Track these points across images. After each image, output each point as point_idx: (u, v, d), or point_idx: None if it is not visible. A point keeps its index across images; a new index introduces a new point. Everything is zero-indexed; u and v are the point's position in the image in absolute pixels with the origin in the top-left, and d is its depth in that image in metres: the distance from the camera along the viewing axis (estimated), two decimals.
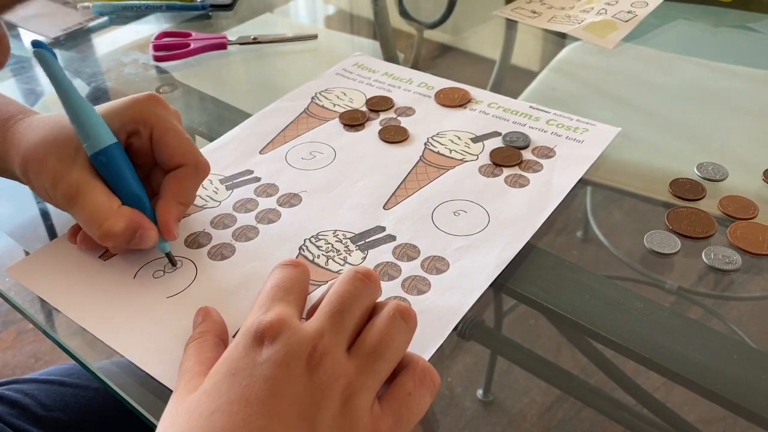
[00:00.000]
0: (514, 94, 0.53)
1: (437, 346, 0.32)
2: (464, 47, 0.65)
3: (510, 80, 0.59)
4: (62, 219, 0.43)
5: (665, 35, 0.61)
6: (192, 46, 0.60)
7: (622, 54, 0.58)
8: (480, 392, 0.32)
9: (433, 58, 0.65)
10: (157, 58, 0.59)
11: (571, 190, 0.40)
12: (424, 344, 0.31)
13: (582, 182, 0.42)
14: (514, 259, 0.36)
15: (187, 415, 0.24)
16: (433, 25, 0.70)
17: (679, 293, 0.35)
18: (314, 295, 0.34)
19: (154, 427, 0.28)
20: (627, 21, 0.59)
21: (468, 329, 0.34)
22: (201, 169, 0.37)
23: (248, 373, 0.25)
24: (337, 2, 0.79)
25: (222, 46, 0.60)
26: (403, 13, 0.72)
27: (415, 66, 0.62)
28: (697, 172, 0.42)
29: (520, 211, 0.39)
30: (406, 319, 0.28)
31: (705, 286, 0.36)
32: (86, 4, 0.68)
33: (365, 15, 0.74)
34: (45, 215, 0.43)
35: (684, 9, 0.64)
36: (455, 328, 0.33)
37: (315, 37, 0.61)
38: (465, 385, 0.32)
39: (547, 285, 0.35)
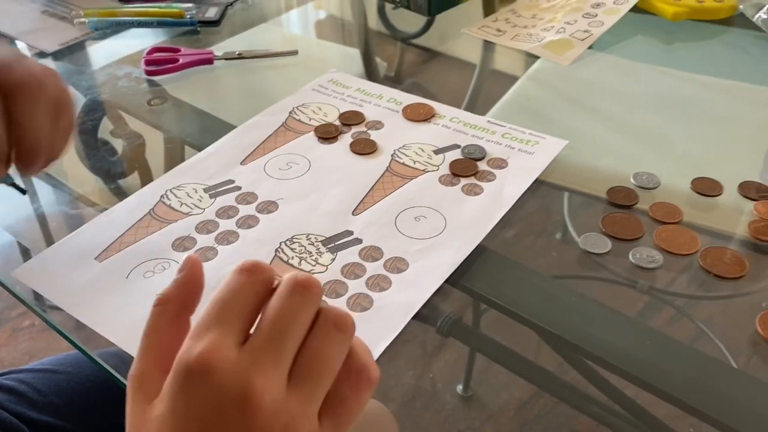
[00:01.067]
0: (495, 100, 0.57)
1: (394, 336, 0.36)
2: (450, 53, 0.69)
3: (493, 86, 0.63)
4: (60, 222, 0.47)
5: (628, 49, 0.66)
6: (181, 61, 0.64)
7: (594, 63, 0.63)
8: (460, 387, 0.35)
9: (420, 63, 0.69)
10: (149, 72, 0.64)
11: (543, 195, 0.45)
12: (383, 334, 0.36)
13: (550, 186, 0.47)
14: (466, 259, 0.41)
15: None
16: (413, 37, 0.74)
17: (650, 293, 0.39)
18: None
19: None
20: (583, 39, 0.63)
21: (446, 326, 0.38)
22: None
23: (183, 415, 0.23)
24: (327, 7, 0.83)
25: (209, 61, 0.65)
26: (385, 23, 0.77)
27: (398, 74, 0.67)
28: (632, 181, 0.46)
29: (473, 217, 0.43)
30: (341, 328, 0.26)
31: (678, 287, 0.39)
32: (82, 19, 0.72)
33: (363, 13, 0.79)
34: (42, 218, 0.47)
35: (639, 26, 0.69)
36: (434, 325, 0.37)
37: (296, 53, 0.66)
38: (446, 381, 0.35)
39: (493, 282, 0.40)
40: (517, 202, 0.45)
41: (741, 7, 0.65)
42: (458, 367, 0.36)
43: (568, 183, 0.48)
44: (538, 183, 0.47)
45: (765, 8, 0.63)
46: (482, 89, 0.63)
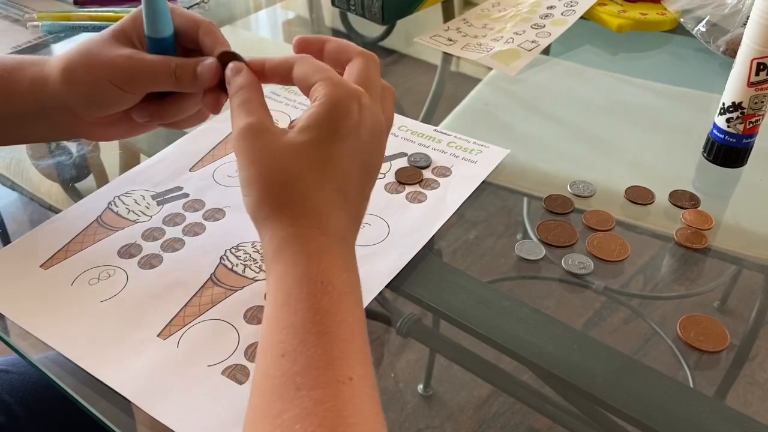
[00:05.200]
0: (457, 103, 0.59)
1: None
2: (415, 55, 0.71)
3: (457, 89, 0.64)
4: (14, 226, 0.47)
5: (577, 58, 0.68)
6: None
7: (550, 69, 0.65)
8: (420, 387, 0.36)
9: (387, 65, 0.71)
10: None
11: (515, 201, 0.47)
12: None
13: (507, 190, 0.49)
14: (408, 265, 0.42)
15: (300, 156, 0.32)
16: (375, 41, 0.75)
17: (605, 293, 0.41)
18: (230, 300, 0.39)
19: (80, 405, 0.33)
20: (530, 50, 0.65)
21: (405, 327, 0.39)
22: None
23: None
24: (295, 8, 0.84)
25: None
26: (347, 27, 0.78)
27: None
28: (569, 190, 0.49)
29: (416, 225, 0.45)
30: (375, 60, 0.37)
31: (635, 287, 0.41)
32: (36, 22, 0.71)
33: (321, 16, 0.80)
34: (3, 234, 0.47)
35: (587, 36, 0.71)
36: (393, 326, 0.38)
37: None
38: (407, 381, 0.36)
39: (432, 287, 0.41)
40: (478, 204, 0.46)
41: (682, 20, 0.68)
42: (420, 367, 0.38)
43: (523, 187, 0.50)
44: (496, 186, 0.49)
45: (703, 22, 0.66)
46: (442, 94, 0.64)
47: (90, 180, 0.52)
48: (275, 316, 0.28)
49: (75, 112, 0.41)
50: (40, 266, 0.42)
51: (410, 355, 0.38)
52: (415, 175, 0.49)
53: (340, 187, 0.32)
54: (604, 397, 0.35)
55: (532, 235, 0.45)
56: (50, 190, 0.52)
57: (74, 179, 0.53)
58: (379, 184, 0.49)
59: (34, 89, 0.40)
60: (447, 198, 0.47)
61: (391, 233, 0.44)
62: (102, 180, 0.51)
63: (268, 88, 0.60)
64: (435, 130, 0.55)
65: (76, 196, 0.50)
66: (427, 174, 0.50)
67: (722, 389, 0.36)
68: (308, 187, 0.31)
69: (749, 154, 0.51)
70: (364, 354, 0.28)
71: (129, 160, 0.54)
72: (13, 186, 0.53)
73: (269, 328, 0.28)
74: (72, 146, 0.56)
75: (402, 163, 0.51)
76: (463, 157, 0.51)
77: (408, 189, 0.48)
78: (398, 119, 0.56)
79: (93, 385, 0.35)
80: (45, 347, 0.37)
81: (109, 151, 0.56)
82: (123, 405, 0.34)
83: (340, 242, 0.31)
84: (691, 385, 0.36)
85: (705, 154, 0.52)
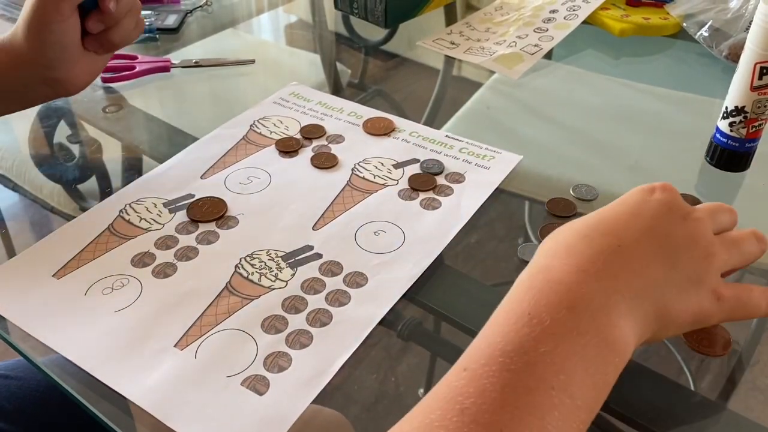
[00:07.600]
0: (459, 107, 0.59)
1: (353, 350, 0.37)
2: (416, 59, 0.71)
3: (459, 92, 0.65)
4: (16, 227, 0.46)
5: (579, 62, 0.68)
6: (137, 68, 0.64)
7: (552, 74, 0.65)
8: (421, 391, 0.36)
9: (386, 70, 0.70)
10: (105, 79, 0.63)
11: (517, 205, 0.47)
12: (341, 350, 0.37)
13: (509, 194, 0.49)
14: (423, 273, 0.42)
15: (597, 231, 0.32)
16: (377, 45, 0.75)
17: None
18: (246, 310, 0.39)
19: (83, 407, 0.33)
20: (533, 54, 0.66)
21: (406, 330, 0.39)
22: None
23: (639, 208, 0.33)
24: (298, 12, 0.84)
25: (166, 68, 0.64)
26: (350, 30, 0.77)
27: (362, 82, 0.68)
28: (572, 193, 0.49)
29: (431, 231, 0.45)
30: (760, 241, 0.36)
31: None
32: None
33: (324, 20, 0.80)
34: (5, 235, 0.47)
35: (589, 41, 0.72)
36: (394, 330, 0.38)
37: (252, 62, 0.66)
38: (408, 385, 0.36)
39: (434, 290, 0.41)
40: (479, 208, 0.47)
41: (685, 24, 0.69)
42: (421, 371, 0.37)
43: (524, 191, 0.50)
44: (498, 190, 0.49)
45: (706, 26, 0.67)
46: (444, 98, 0.65)
47: (92, 182, 0.52)
48: None
49: (44, 67, 0.46)
50: (53, 275, 0.41)
51: (411, 359, 0.38)
52: (428, 182, 0.49)
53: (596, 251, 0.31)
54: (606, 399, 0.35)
55: (533, 238, 0.45)
56: (53, 192, 0.51)
57: (77, 181, 0.52)
58: (393, 191, 0.49)
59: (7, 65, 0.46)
60: (461, 204, 0.47)
61: (407, 240, 0.44)
62: (104, 181, 0.50)
63: (276, 94, 0.60)
64: (446, 135, 0.55)
65: (79, 197, 0.49)
66: (440, 180, 0.49)
67: (724, 394, 0.37)
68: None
69: (752, 158, 0.51)
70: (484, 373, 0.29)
71: (132, 162, 0.54)
72: (15, 187, 0.52)
73: None
74: (75, 148, 0.56)
75: (415, 169, 0.51)
76: (476, 163, 0.51)
77: (422, 195, 0.48)
78: (409, 124, 0.56)
79: (95, 387, 0.35)
80: (47, 349, 0.36)
81: (112, 153, 0.55)
82: (125, 407, 0.34)
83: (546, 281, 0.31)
84: (693, 389, 0.36)
85: (708, 159, 0.52)
